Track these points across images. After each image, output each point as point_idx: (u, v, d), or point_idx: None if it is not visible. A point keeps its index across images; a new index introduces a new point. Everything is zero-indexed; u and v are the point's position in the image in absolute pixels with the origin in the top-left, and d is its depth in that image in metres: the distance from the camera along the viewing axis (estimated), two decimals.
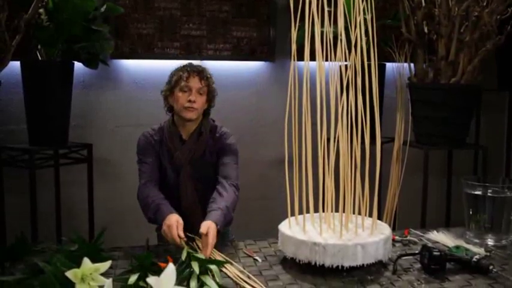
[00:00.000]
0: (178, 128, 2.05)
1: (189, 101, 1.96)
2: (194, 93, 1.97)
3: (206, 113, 2.10)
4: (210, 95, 2.06)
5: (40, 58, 2.70)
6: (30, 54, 2.69)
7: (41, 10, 2.52)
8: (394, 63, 3.04)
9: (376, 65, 1.50)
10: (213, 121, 2.13)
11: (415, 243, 1.70)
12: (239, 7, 3.25)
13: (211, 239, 1.59)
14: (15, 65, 2.62)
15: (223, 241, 2.01)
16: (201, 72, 2.01)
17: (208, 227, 1.62)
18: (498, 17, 2.70)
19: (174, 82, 2.01)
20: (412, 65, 2.95)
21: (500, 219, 1.69)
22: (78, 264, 1.09)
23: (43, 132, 2.69)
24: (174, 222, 1.67)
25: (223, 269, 1.43)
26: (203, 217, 1.82)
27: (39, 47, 2.68)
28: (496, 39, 2.71)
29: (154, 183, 1.97)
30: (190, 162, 2.02)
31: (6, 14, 2.39)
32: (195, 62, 3.03)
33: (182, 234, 1.63)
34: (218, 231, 1.72)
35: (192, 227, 1.83)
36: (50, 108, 2.68)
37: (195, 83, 1.98)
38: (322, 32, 1.49)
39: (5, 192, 2.70)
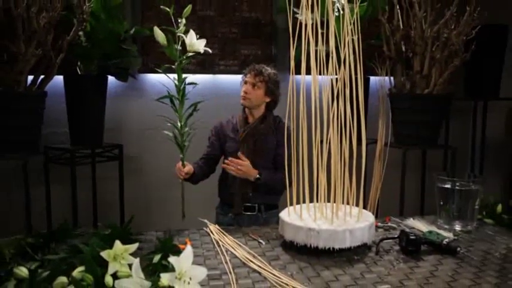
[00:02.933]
0: (246, 114, 2.20)
1: (244, 91, 2.12)
2: (248, 86, 2.13)
3: (270, 106, 2.20)
4: (269, 90, 2.15)
5: (79, 72, 2.71)
6: (71, 69, 2.70)
7: (81, 33, 2.53)
8: (377, 77, 3.03)
9: (362, 78, 1.50)
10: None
11: (394, 228, 1.69)
12: (246, 29, 3.26)
13: (242, 162, 2.00)
14: (59, 78, 2.64)
15: (270, 222, 2.09)
16: (257, 70, 2.14)
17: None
18: (464, 38, 2.70)
19: (242, 80, 2.18)
20: (392, 78, 2.95)
21: (466, 208, 1.68)
22: (111, 246, 1.09)
23: (82, 135, 2.71)
24: (179, 165, 1.91)
25: (232, 250, 1.43)
26: (255, 190, 2.12)
27: (78, 63, 2.70)
28: (462, 57, 2.71)
29: (203, 161, 2.20)
30: (252, 139, 2.12)
31: (52, 36, 2.40)
32: (209, 76, 3.06)
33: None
34: (255, 181, 2.06)
35: (244, 197, 2.13)
36: (88, 114, 2.70)
37: (250, 78, 2.14)
38: (316, 51, 1.49)
39: (50, 185, 2.71)
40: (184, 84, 1.73)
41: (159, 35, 1.66)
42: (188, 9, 1.69)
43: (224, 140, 2.21)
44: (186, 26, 1.69)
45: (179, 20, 1.67)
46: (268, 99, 2.17)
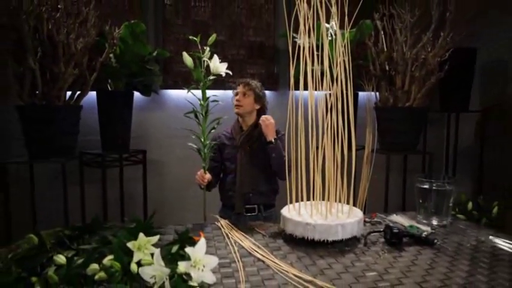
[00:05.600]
0: (240, 123, 2.16)
1: (236, 100, 2.10)
2: (240, 95, 2.10)
3: (260, 112, 2.16)
4: (257, 98, 2.13)
5: (110, 89, 2.73)
6: (103, 86, 2.72)
7: (111, 55, 2.55)
8: (364, 92, 3.03)
9: (352, 93, 1.49)
10: None
11: (380, 223, 1.68)
12: (252, 51, 3.28)
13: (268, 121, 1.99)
14: (92, 94, 2.65)
15: (270, 220, 2.01)
16: (245, 82, 2.13)
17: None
18: (439, 59, 2.71)
19: (233, 95, 2.15)
20: (377, 93, 2.94)
21: (442, 205, 1.67)
22: (135, 238, 1.09)
23: (111, 142, 2.72)
24: (200, 172, 1.88)
25: (240, 242, 1.42)
26: (254, 194, 2.07)
27: (109, 81, 2.71)
28: (437, 75, 2.71)
29: (211, 172, 2.01)
30: (248, 144, 2.08)
31: (87, 58, 2.42)
32: (220, 91, 3.07)
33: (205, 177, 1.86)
34: (270, 142, 2.01)
35: (244, 197, 2.05)
36: (117, 124, 2.71)
37: (240, 88, 2.11)
38: (312, 70, 1.49)
39: (84, 185, 2.72)
40: (208, 101, 1.73)
41: (187, 59, 1.68)
42: (212, 37, 1.70)
43: (223, 148, 2.14)
44: (210, 50, 1.70)
45: (205, 47, 1.68)
46: (257, 107, 2.14)
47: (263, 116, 2.04)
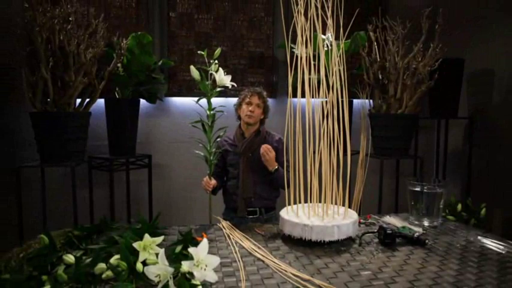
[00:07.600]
0: (242, 130, 2.12)
1: (250, 110, 2.05)
2: (254, 106, 2.06)
3: (263, 121, 2.16)
4: (265, 109, 2.13)
5: (117, 97, 2.73)
6: (111, 94, 2.72)
7: (119, 65, 2.55)
8: (359, 100, 3.04)
9: (347, 101, 1.49)
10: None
11: (374, 224, 1.68)
12: (252, 61, 3.28)
13: (268, 152, 1.94)
14: (100, 101, 2.66)
15: (270, 222, 2.01)
16: (260, 93, 2.10)
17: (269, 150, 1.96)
18: (429, 68, 2.71)
19: (242, 99, 2.11)
20: (371, 100, 2.94)
21: (433, 207, 1.66)
22: (141, 238, 1.09)
23: (118, 147, 2.71)
24: (206, 178, 1.87)
25: (240, 242, 1.41)
26: (256, 198, 2.06)
27: (117, 89, 2.71)
28: (428, 83, 2.71)
29: (215, 177, 2.01)
30: (250, 151, 2.06)
31: (96, 67, 2.43)
32: (222, 99, 3.07)
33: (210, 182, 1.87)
34: (272, 172, 2.00)
35: (246, 201, 2.04)
36: (123, 130, 2.70)
37: (255, 99, 2.06)
38: (309, 78, 1.49)
39: (93, 187, 2.71)
40: (215, 111, 1.73)
41: (194, 72, 1.70)
42: (218, 51, 1.71)
43: (226, 154, 2.13)
44: (216, 63, 1.71)
45: (211, 61, 1.69)
46: (262, 116, 2.14)
47: (264, 147, 1.97)
